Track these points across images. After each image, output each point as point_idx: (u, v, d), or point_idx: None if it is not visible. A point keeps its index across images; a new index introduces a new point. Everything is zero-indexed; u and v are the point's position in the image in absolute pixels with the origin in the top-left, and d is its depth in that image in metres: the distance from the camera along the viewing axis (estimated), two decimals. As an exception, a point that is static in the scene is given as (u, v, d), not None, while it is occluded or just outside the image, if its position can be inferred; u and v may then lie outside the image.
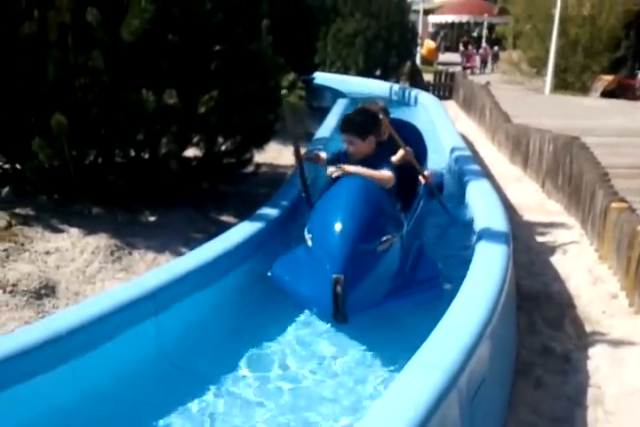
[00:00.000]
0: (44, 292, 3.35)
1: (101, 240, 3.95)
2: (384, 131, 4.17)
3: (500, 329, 2.82)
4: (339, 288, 2.74)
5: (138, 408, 2.50)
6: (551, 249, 5.06)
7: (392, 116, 4.76)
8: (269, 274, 3.36)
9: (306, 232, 3.25)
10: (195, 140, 4.82)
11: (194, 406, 2.55)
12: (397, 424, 1.82)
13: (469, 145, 8.15)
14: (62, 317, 2.54)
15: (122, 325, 2.63)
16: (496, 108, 10.25)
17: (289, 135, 3.73)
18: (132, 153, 4.65)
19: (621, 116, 10.01)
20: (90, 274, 3.63)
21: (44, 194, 4.53)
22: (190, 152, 4.95)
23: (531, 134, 7.65)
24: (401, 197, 3.93)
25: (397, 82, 15.46)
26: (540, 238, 5.33)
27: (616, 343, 3.51)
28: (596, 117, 9.95)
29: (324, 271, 2.82)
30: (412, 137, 4.85)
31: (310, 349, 3.02)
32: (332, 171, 3.62)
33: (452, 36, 35.71)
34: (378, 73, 16.69)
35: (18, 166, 4.51)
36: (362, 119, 3.69)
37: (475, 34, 32.49)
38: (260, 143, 5.22)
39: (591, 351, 3.46)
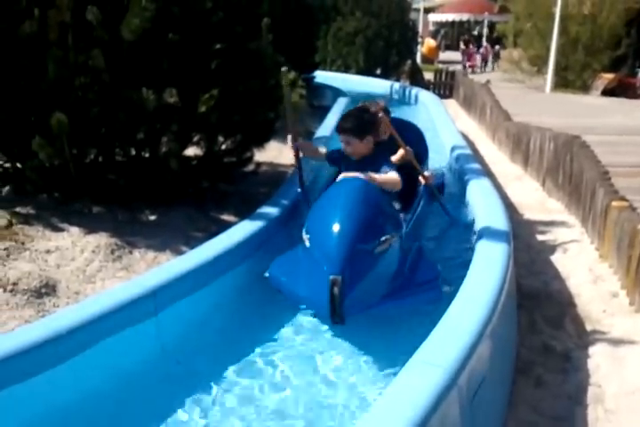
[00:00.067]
0: (45, 291, 3.35)
1: (102, 239, 3.95)
2: (384, 130, 4.16)
3: (501, 328, 2.82)
4: (336, 289, 2.72)
5: (137, 408, 2.49)
6: (552, 248, 5.07)
7: (392, 114, 4.75)
8: (266, 274, 3.34)
9: (304, 232, 3.23)
10: (195, 139, 4.82)
11: (193, 406, 2.55)
12: (397, 423, 1.82)
13: (470, 144, 8.15)
14: (63, 316, 2.54)
15: (122, 324, 2.62)
16: (496, 106, 10.25)
17: (287, 122, 3.67)
18: (133, 152, 4.65)
19: (622, 115, 10.01)
20: (90, 273, 3.63)
21: (45, 193, 4.53)
22: (190, 151, 4.95)
23: (531, 133, 7.65)
24: (400, 198, 3.91)
25: (398, 80, 15.46)
26: (540, 237, 5.33)
27: (616, 342, 3.51)
28: (596, 116, 9.94)
29: (322, 272, 2.79)
30: (413, 137, 4.84)
31: (308, 349, 3.02)
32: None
33: (453, 35, 35.70)
34: (378, 72, 16.71)
35: (18, 165, 4.51)
36: (359, 119, 3.64)
37: (475, 32, 32.47)
38: (261, 142, 5.22)
39: (591, 350, 3.46)
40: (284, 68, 3.48)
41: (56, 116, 3.88)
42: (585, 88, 15.72)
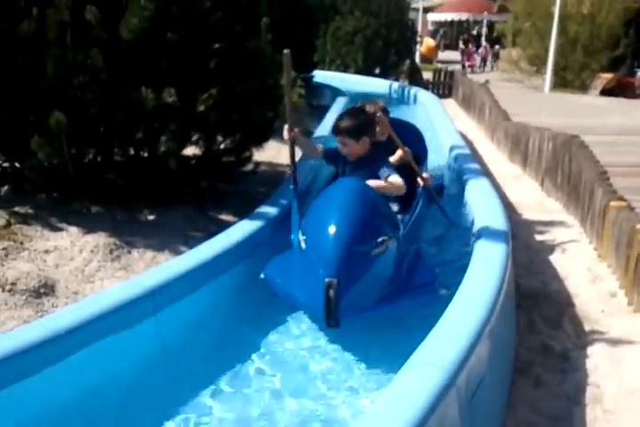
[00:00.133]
0: (43, 291, 3.35)
1: (100, 239, 3.94)
2: (382, 131, 4.14)
3: (499, 328, 2.81)
4: (331, 292, 2.70)
5: (137, 408, 2.49)
6: (550, 248, 5.07)
7: (391, 114, 4.75)
8: (262, 276, 3.32)
9: (300, 233, 3.21)
10: (194, 138, 4.81)
11: (193, 405, 2.55)
12: (396, 423, 1.82)
13: (468, 143, 8.15)
14: (61, 316, 2.54)
15: (121, 324, 2.62)
16: (495, 106, 10.25)
17: (285, 105, 3.62)
18: (131, 151, 4.65)
19: (620, 115, 10.01)
20: (89, 273, 3.63)
21: (43, 192, 4.52)
22: (189, 151, 4.94)
23: (530, 133, 7.65)
24: (398, 199, 3.88)
25: (397, 80, 15.47)
26: (539, 237, 5.34)
27: (615, 342, 3.51)
28: (595, 116, 9.94)
29: (317, 274, 2.78)
30: (412, 137, 4.83)
31: (308, 350, 3.01)
32: None
33: (452, 34, 35.70)
34: (377, 71, 16.71)
35: (17, 165, 4.50)
36: (354, 120, 3.61)
37: (474, 32, 32.47)
38: (260, 142, 5.22)
39: (590, 350, 3.46)
40: (286, 51, 3.45)
41: (55, 115, 3.88)
42: (584, 88, 15.73)
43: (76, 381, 2.42)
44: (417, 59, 21.69)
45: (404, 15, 18.06)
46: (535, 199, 6.62)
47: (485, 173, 6.06)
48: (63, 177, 4.36)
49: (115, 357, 2.58)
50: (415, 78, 16.48)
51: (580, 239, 5.24)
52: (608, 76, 15.66)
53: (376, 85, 13.85)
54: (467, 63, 24.98)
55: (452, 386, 2.08)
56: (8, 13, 4.00)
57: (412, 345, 2.31)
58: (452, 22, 34.38)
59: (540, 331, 3.69)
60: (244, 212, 4.24)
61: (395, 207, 3.83)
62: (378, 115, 4.00)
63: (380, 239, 2.99)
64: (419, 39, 21.76)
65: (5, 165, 4.63)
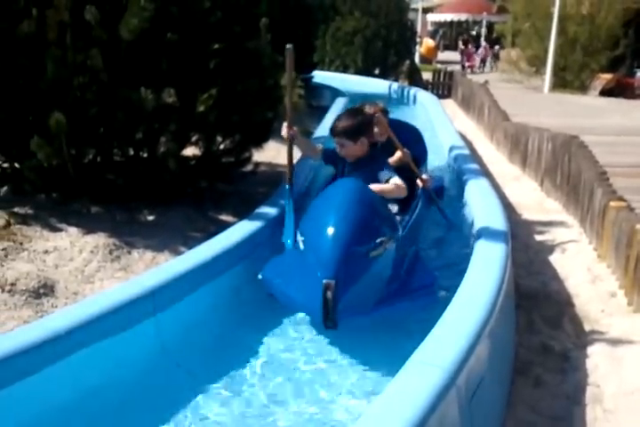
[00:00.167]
0: (43, 291, 3.35)
1: (100, 239, 3.94)
2: (382, 132, 4.14)
3: (499, 328, 2.81)
4: (329, 294, 2.69)
5: (137, 408, 2.49)
6: (550, 248, 5.07)
7: (391, 115, 4.74)
8: (260, 276, 3.31)
9: (298, 234, 3.20)
10: (193, 138, 4.81)
11: (192, 405, 2.55)
12: (396, 423, 1.82)
13: (468, 144, 8.15)
14: (61, 316, 2.54)
15: (121, 324, 2.62)
16: (495, 106, 10.25)
17: (286, 100, 3.60)
18: (131, 152, 4.65)
19: (620, 115, 10.01)
20: (89, 273, 3.63)
21: (43, 193, 4.52)
22: (189, 151, 4.94)
23: (529, 133, 7.66)
24: (398, 200, 3.87)
25: (396, 80, 15.48)
26: (538, 237, 5.34)
27: (615, 342, 3.51)
28: (594, 116, 9.95)
29: (315, 276, 2.76)
30: (412, 138, 4.82)
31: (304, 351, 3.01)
32: None
33: (451, 35, 35.73)
34: (377, 72, 16.73)
35: (16, 165, 4.50)
36: (351, 121, 3.57)
37: (474, 32, 32.49)
38: (259, 142, 5.22)
39: (590, 350, 3.46)
40: (288, 46, 3.44)
41: (54, 115, 3.88)
42: (583, 88, 15.74)
43: (76, 381, 2.42)
44: (416, 59, 21.70)
45: (403, 16, 18.08)
46: (535, 199, 6.62)
47: (485, 173, 6.06)
48: (63, 177, 4.36)
49: (114, 357, 2.58)
50: (415, 79, 16.50)
51: (579, 239, 5.25)
52: (607, 76, 15.67)
53: (375, 86, 13.87)
54: (466, 64, 24.99)
55: (452, 386, 2.08)
56: (8, 13, 4.00)
57: (410, 348, 2.30)
58: (451, 23, 34.41)
59: (539, 331, 3.69)
60: (243, 212, 4.24)
61: (394, 208, 3.82)
62: (376, 115, 3.99)
63: (378, 240, 2.97)
64: (418, 40, 21.80)
65: (5, 165, 4.63)
